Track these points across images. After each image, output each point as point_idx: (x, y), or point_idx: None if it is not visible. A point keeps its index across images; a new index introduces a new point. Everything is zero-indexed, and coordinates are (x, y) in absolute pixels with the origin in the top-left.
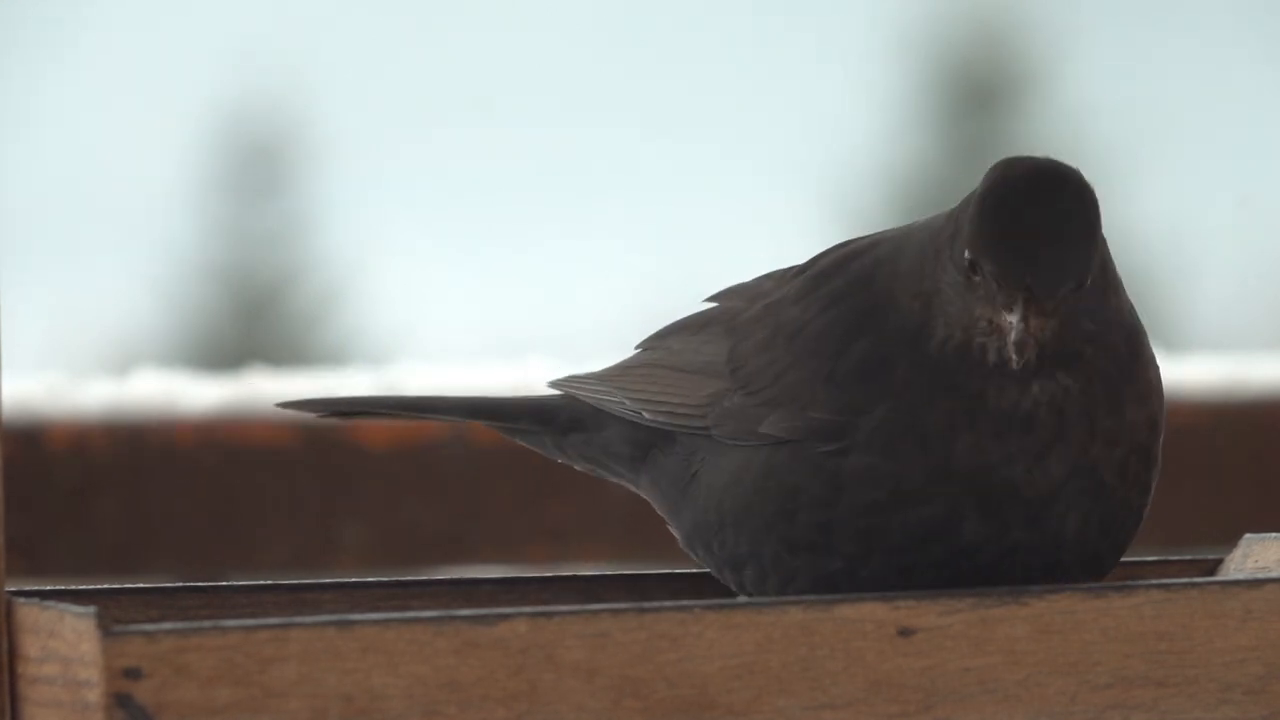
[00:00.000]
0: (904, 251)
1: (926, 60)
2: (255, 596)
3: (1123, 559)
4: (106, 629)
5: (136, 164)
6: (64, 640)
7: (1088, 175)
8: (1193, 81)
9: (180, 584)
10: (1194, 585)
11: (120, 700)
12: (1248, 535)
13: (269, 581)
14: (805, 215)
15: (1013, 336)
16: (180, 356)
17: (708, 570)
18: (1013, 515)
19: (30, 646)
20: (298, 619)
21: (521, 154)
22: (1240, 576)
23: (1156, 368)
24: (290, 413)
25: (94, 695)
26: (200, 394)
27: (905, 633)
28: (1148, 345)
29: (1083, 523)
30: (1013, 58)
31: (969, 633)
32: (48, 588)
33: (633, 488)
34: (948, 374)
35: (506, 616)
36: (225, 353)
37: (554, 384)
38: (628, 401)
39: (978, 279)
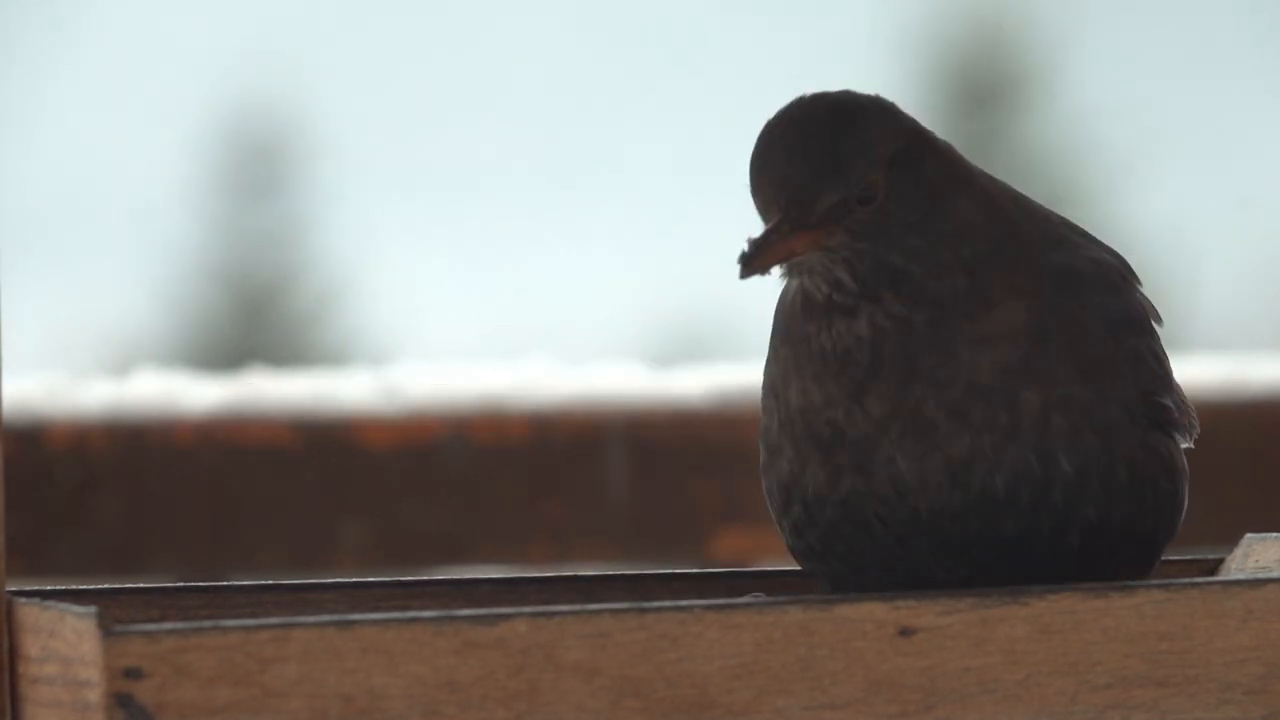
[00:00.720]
0: None
1: (927, 60)
2: (255, 596)
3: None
4: (107, 629)
5: (136, 164)
6: (64, 640)
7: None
8: (1193, 81)
9: (180, 584)
10: (1194, 585)
11: (120, 700)
12: (1248, 535)
13: (269, 581)
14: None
15: (744, 245)
16: (180, 356)
17: (708, 570)
18: (842, 458)
19: (30, 646)
20: (298, 619)
21: (522, 154)
22: (1241, 576)
23: (1038, 304)
24: (290, 412)
25: (94, 695)
26: (200, 394)
27: (905, 633)
28: (1029, 278)
29: (918, 466)
30: (1013, 57)
31: (969, 632)
32: (48, 588)
33: None
34: (792, 321)
35: (506, 616)
36: (225, 353)
37: None
38: None
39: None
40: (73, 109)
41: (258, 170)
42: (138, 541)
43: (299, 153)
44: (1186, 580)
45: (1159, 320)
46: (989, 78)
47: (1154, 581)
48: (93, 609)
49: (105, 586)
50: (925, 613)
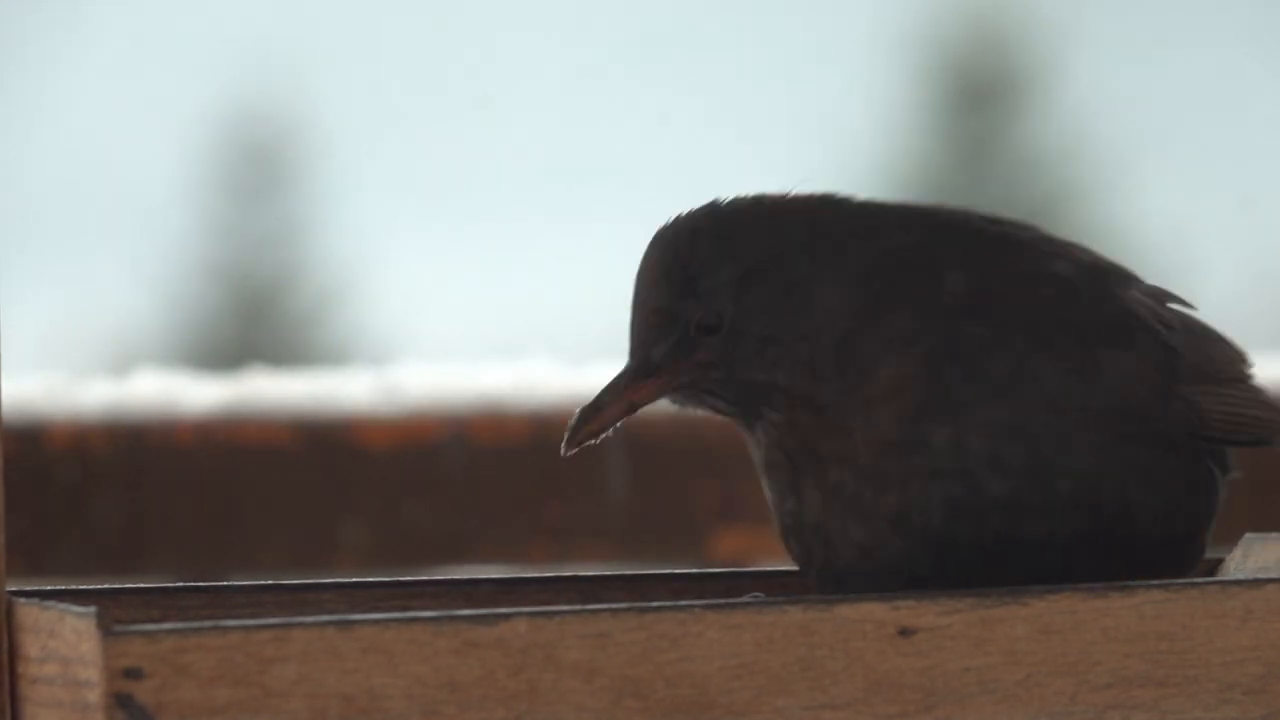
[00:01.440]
0: None
1: (927, 60)
2: (255, 596)
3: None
4: (107, 629)
5: (136, 164)
6: (64, 640)
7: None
8: (1194, 81)
9: (180, 584)
10: (1194, 585)
11: (120, 700)
12: (1248, 535)
13: (269, 581)
14: None
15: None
16: (180, 356)
17: (707, 570)
18: (808, 539)
19: (30, 646)
20: (298, 619)
21: (522, 154)
22: (1240, 576)
23: (925, 343)
24: (290, 412)
25: (94, 695)
26: (200, 394)
27: (905, 633)
28: (913, 322)
29: (866, 530)
30: (1013, 57)
31: (969, 632)
32: (48, 588)
33: None
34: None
35: (506, 616)
36: (225, 353)
37: None
38: None
39: None
40: (73, 110)
41: (258, 170)
42: (137, 541)
43: (299, 153)
44: (1186, 580)
45: (1167, 325)
46: (989, 77)
47: (1153, 581)
48: (92, 609)
49: (105, 586)
50: (925, 613)
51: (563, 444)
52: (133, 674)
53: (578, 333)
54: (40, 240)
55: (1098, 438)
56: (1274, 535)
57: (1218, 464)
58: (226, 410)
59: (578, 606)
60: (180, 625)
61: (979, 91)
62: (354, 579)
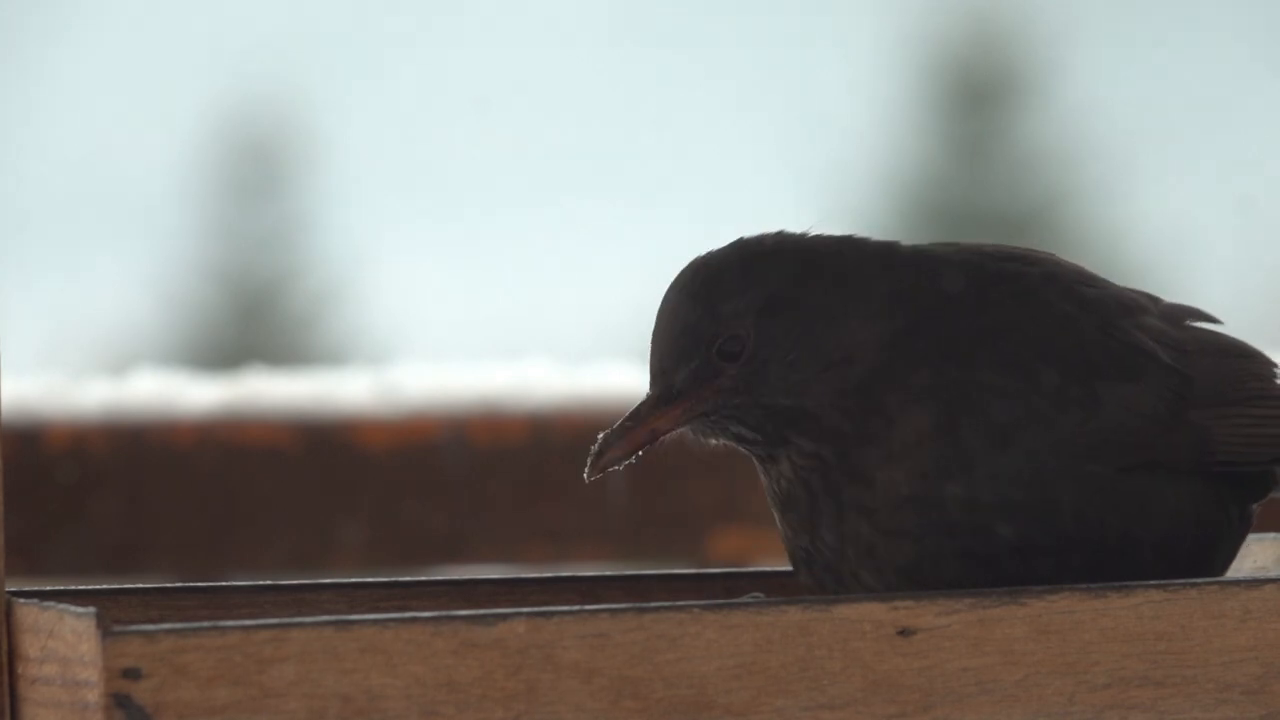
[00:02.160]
0: None
1: (927, 60)
2: (255, 596)
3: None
4: (106, 629)
5: (135, 164)
6: (63, 640)
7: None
8: (1193, 81)
9: (180, 584)
10: (1193, 585)
11: (119, 700)
12: (1247, 535)
13: (269, 581)
14: (805, 215)
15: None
16: (179, 356)
17: (706, 570)
18: (820, 574)
19: (30, 646)
20: (297, 619)
21: (520, 154)
22: (1239, 576)
23: (941, 395)
24: (290, 412)
25: (93, 695)
26: (199, 394)
27: (904, 633)
28: (929, 372)
29: (879, 577)
30: (1013, 57)
31: (967, 633)
32: (47, 588)
33: None
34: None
35: (505, 617)
36: (224, 353)
37: None
38: None
39: None
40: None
41: (257, 170)
42: (136, 542)
43: (297, 153)
44: (1185, 580)
45: (1180, 349)
46: (990, 78)
47: (1152, 582)
48: (92, 609)
49: (104, 587)
50: (924, 613)
51: (585, 471)
52: (131, 674)
53: (577, 333)
54: (40, 240)
55: (1098, 470)
56: (1272, 535)
57: (1235, 490)
58: (226, 410)
59: (576, 607)
60: (179, 626)
61: (979, 91)
62: (353, 579)
